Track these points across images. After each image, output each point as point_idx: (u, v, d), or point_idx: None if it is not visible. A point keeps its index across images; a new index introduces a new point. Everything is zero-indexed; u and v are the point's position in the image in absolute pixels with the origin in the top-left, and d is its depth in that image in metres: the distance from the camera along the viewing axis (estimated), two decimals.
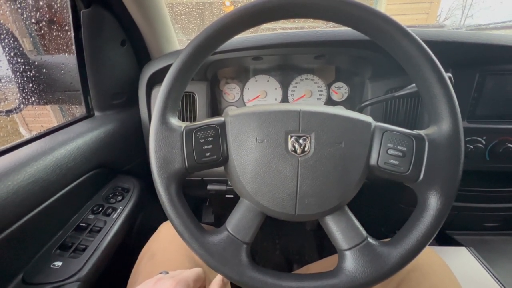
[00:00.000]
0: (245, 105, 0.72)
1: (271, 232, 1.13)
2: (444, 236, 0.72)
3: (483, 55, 0.55)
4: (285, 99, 0.71)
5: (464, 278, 0.41)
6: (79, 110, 0.69)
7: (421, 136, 0.33)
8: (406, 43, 0.32)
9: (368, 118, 0.35)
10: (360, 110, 0.58)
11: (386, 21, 0.32)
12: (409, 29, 0.32)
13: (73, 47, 0.57)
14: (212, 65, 0.65)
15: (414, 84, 0.48)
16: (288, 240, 1.11)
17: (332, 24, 0.81)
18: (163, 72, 0.63)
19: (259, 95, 0.71)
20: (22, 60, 0.54)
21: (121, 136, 0.65)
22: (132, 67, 0.69)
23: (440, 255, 0.45)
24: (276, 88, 0.71)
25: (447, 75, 0.32)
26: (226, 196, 0.74)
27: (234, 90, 0.71)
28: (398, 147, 0.33)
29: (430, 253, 0.45)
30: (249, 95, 0.71)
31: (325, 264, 0.51)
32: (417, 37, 0.32)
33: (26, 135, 0.51)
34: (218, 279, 0.34)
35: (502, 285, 0.52)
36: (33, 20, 0.62)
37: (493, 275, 0.54)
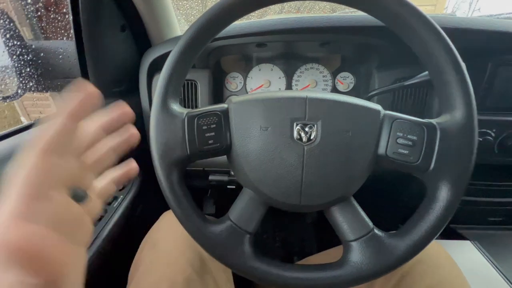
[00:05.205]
0: None
1: (271, 224, 1.13)
2: (448, 230, 0.71)
3: (498, 43, 0.53)
4: (289, 89, 0.69)
5: (469, 271, 0.41)
6: None
7: (432, 125, 0.31)
8: (421, 26, 0.30)
9: (377, 106, 0.34)
10: (368, 100, 0.56)
11: (401, 3, 0.30)
12: (424, 12, 0.30)
13: (72, 32, 0.55)
14: (214, 52, 0.63)
15: (425, 73, 0.46)
16: (288, 232, 1.11)
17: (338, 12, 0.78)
18: (164, 58, 0.60)
19: (263, 84, 0.69)
20: (18, 43, 0.52)
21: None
22: (132, 53, 0.67)
23: (444, 249, 0.44)
24: (280, 78, 0.69)
25: None
26: (228, 187, 0.73)
27: (237, 79, 0.70)
28: (408, 136, 0.32)
29: (435, 246, 0.44)
30: (252, 84, 0.70)
31: (325, 256, 0.51)
32: (433, 21, 0.30)
33: None
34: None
35: (507, 278, 0.52)
36: (29, 1, 0.60)
37: (498, 269, 0.54)
